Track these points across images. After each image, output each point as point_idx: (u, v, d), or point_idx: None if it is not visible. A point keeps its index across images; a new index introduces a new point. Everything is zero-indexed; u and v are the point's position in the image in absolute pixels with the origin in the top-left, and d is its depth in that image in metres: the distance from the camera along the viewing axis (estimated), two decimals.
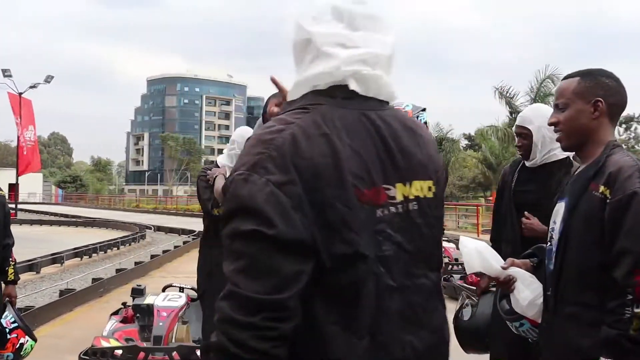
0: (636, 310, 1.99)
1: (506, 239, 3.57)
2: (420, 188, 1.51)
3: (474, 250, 2.54)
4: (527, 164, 3.55)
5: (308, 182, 1.34)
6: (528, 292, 2.44)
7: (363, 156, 1.41)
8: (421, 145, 1.55)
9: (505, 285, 2.49)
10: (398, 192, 1.46)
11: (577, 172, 2.37)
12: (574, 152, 2.42)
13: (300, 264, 1.31)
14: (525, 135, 3.50)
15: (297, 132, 1.39)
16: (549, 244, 2.38)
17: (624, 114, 4.27)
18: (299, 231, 1.31)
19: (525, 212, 3.37)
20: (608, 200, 2.11)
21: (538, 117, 3.44)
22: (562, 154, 3.32)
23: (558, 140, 2.40)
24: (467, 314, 3.65)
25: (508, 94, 26.34)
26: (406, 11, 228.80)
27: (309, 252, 1.32)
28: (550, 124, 2.40)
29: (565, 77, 2.41)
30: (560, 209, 2.34)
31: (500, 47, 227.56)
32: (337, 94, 1.48)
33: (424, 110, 3.43)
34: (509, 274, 2.47)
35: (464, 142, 55.33)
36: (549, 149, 3.42)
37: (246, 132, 4.56)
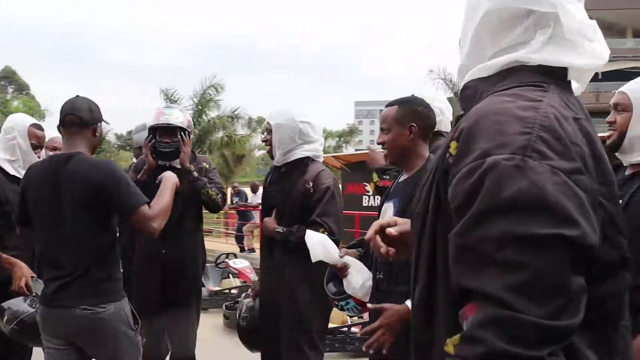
0: None
1: None
2: None
3: (318, 242, 3.00)
4: (274, 162, 3.84)
5: (588, 172, 1.08)
6: (359, 277, 2.95)
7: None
8: None
9: (342, 271, 2.97)
10: None
11: (405, 179, 2.96)
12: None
13: (582, 277, 1.01)
14: (269, 131, 3.79)
15: (554, 111, 1.12)
16: None
17: None
18: (597, 235, 1.03)
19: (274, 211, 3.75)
20: None
21: (281, 115, 3.74)
22: (302, 154, 3.70)
23: (385, 156, 3.03)
24: (245, 318, 3.97)
25: (172, 97, 26.81)
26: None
27: (589, 261, 1.03)
28: (378, 143, 3.03)
29: (388, 105, 2.97)
30: (388, 208, 2.93)
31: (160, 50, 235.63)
32: (558, 74, 1.25)
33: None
34: (345, 262, 2.97)
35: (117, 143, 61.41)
36: (289, 148, 3.70)
37: (27, 120, 4.01)
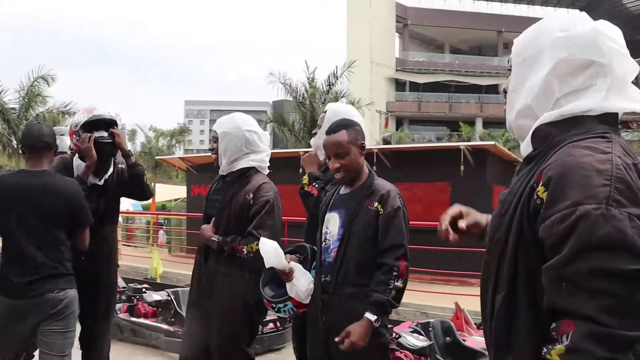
0: (397, 283, 2.93)
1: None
2: None
3: (273, 249, 3.20)
4: (220, 171, 3.87)
5: None
6: (303, 281, 3.22)
7: None
8: None
9: (288, 276, 3.22)
10: None
11: (348, 192, 3.19)
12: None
13: None
14: (215, 139, 3.82)
15: (622, 162, 1.42)
16: (324, 243, 3.17)
17: None
18: None
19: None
20: (381, 213, 3.02)
21: (227, 123, 3.77)
22: (247, 164, 3.73)
23: (341, 177, 3.15)
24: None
25: None
26: None
27: None
28: (335, 169, 3.15)
29: (330, 132, 3.15)
30: (332, 218, 3.17)
31: None
32: (612, 122, 1.57)
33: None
34: (291, 267, 3.24)
35: None
36: (235, 157, 3.73)
37: None
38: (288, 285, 3.25)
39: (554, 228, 1.38)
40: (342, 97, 26.10)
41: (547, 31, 1.63)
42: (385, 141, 32.02)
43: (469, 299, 6.07)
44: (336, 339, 2.89)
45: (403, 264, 3.00)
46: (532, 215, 1.49)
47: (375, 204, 3.07)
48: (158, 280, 10.96)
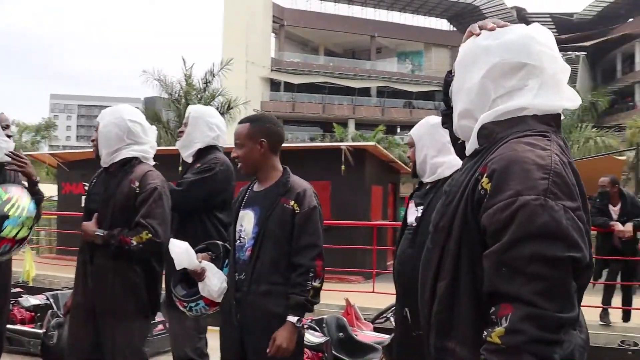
0: (314, 283, 2.95)
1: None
2: None
3: (183, 250, 3.16)
4: (101, 163, 3.64)
5: (583, 207, 1.50)
6: (216, 280, 3.16)
7: None
8: None
9: (200, 275, 3.17)
10: None
11: (263, 190, 3.16)
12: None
13: (575, 282, 1.46)
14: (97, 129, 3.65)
15: (559, 159, 1.52)
16: (238, 241, 3.14)
17: None
18: (588, 252, 1.48)
19: None
20: (297, 211, 3.01)
21: (109, 114, 3.61)
22: (130, 154, 3.51)
23: (240, 168, 3.18)
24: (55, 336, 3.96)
25: None
26: None
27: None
28: (233, 157, 3.21)
29: (240, 122, 3.23)
30: (245, 215, 3.14)
31: None
32: (553, 123, 1.66)
33: None
34: (203, 266, 3.19)
35: None
36: (116, 147, 3.51)
37: None
38: (200, 284, 3.19)
39: (496, 216, 1.47)
40: (218, 95, 25.85)
41: (482, 39, 1.73)
42: None
43: (357, 295, 6.18)
44: (267, 351, 2.90)
45: (319, 264, 3.01)
46: (476, 204, 1.57)
47: (292, 203, 3.05)
48: (31, 284, 10.35)
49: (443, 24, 66.27)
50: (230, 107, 25.59)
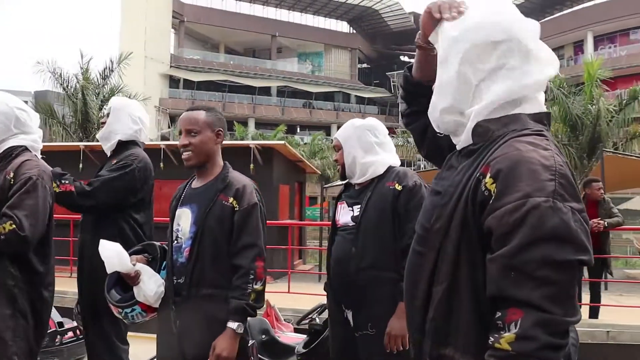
0: (255, 286, 2.75)
1: None
2: None
3: (115, 252, 2.89)
4: None
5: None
6: (152, 284, 2.91)
7: None
8: None
9: (134, 279, 2.89)
10: None
11: (203, 186, 2.94)
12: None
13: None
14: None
15: (560, 160, 1.49)
16: (175, 242, 2.92)
17: None
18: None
19: None
20: (236, 209, 2.82)
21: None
22: (17, 143, 3.23)
23: (187, 157, 2.90)
24: None
25: None
26: None
27: None
28: (182, 146, 2.90)
29: (191, 109, 2.98)
30: (182, 214, 2.92)
31: None
32: (545, 121, 1.64)
33: None
34: (138, 270, 2.91)
35: None
36: (3, 137, 3.21)
37: None
38: (135, 288, 2.93)
39: (504, 218, 1.42)
40: (118, 91, 25.03)
41: (450, 31, 1.64)
42: (164, 137, 31.26)
43: (272, 295, 6.10)
44: None
45: (260, 265, 2.82)
46: (478, 206, 1.50)
47: (231, 200, 2.86)
48: None
49: (343, 26, 67.21)
50: None
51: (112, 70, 25.07)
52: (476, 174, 1.53)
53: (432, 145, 2.01)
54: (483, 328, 1.46)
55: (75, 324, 5.46)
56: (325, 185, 22.09)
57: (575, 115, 19.12)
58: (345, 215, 3.34)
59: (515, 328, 1.35)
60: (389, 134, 3.56)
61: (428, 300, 1.62)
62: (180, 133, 2.95)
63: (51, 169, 3.44)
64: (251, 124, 53.78)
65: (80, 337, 5.76)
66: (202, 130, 2.91)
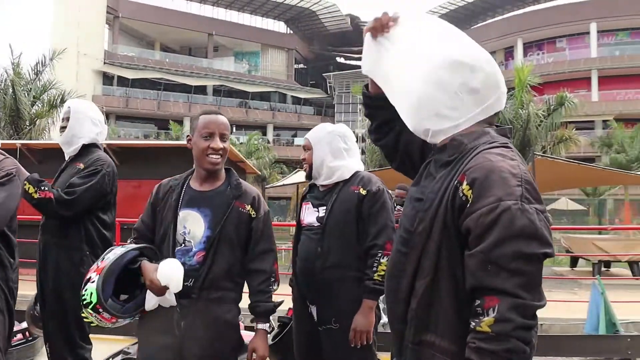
0: (274, 287, 2.95)
1: None
2: None
3: (178, 271, 2.69)
4: None
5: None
6: (168, 294, 2.72)
7: None
8: None
9: (163, 290, 2.69)
10: None
11: (213, 190, 2.91)
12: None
13: None
14: None
15: (524, 168, 1.73)
16: (183, 245, 2.84)
17: None
18: None
19: None
20: (254, 217, 2.91)
21: None
22: None
23: (217, 162, 2.85)
24: None
25: None
26: None
27: None
28: (219, 149, 2.86)
29: (212, 113, 2.95)
30: (189, 216, 2.87)
31: None
32: (509, 135, 1.90)
33: None
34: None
35: None
36: None
37: None
38: (152, 297, 2.77)
39: (480, 219, 1.64)
40: (51, 88, 24.41)
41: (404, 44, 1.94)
42: None
43: None
44: None
45: (277, 269, 3.00)
46: (457, 210, 1.72)
47: (248, 207, 2.93)
48: None
49: (280, 26, 67.28)
50: (64, 100, 24.26)
51: (45, 66, 24.43)
52: (454, 181, 1.75)
53: (404, 156, 2.24)
54: (460, 316, 1.69)
55: (24, 325, 5.34)
56: (267, 186, 22.15)
57: (507, 120, 19.73)
58: (310, 215, 3.51)
59: (494, 313, 1.57)
60: None
61: (411, 293, 1.82)
62: (209, 136, 2.88)
63: (28, 174, 3.51)
64: (187, 123, 52.89)
65: (30, 339, 5.77)
66: (228, 136, 2.97)
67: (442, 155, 1.89)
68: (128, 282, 2.79)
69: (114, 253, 2.77)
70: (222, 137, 2.91)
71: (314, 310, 3.44)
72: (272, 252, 3.00)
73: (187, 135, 2.99)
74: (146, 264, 2.78)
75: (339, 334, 3.27)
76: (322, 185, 3.55)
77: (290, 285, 3.69)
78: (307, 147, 3.56)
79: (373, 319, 3.27)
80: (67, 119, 3.98)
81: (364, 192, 3.39)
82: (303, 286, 3.48)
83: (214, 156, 2.87)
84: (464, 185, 1.70)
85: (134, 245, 2.88)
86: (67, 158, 4.03)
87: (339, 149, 3.51)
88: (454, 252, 1.73)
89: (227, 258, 2.87)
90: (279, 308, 4.77)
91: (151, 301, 2.78)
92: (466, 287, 1.67)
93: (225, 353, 2.86)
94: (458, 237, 1.72)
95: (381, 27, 1.99)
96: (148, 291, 2.76)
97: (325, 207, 3.44)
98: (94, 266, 2.75)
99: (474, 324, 1.61)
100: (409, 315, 1.83)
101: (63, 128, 4.01)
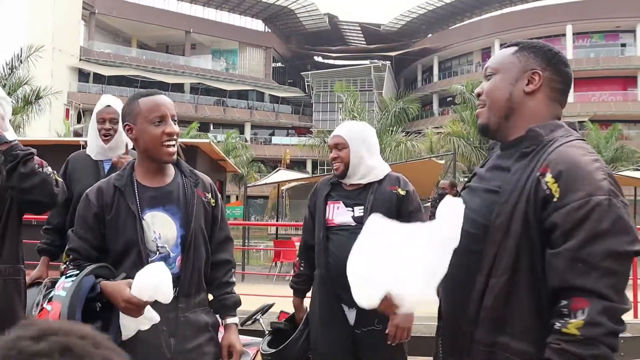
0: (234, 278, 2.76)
1: None
2: None
3: (160, 278, 2.24)
4: None
5: None
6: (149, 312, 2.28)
7: None
8: None
9: (140, 311, 2.26)
10: None
11: (169, 184, 2.56)
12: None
13: None
14: None
15: (602, 160, 1.70)
16: (158, 253, 2.46)
17: None
18: None
19: None
20: (213, 205, 2.65)
21: None
22: None
23: (174, 152, 2.50)
24: None
25: None
26: None
27: None
28: (174, 133, 2.50)
29: (159, 94, 2.60)
30: (156, 218, 2.48)
31: None
32: (577, 130, 1.85)
33: None
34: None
35: None
36: None
37: None
38: (128, 321, 2.30)
39: (570, 215, 1.58)
40: (25, 83, 24.06)
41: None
42: (77, 133, 30.19)
43: None
44: None
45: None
46: (540, 202, 1.66)
47: (209, 196, 2.66)
48: None
49: (258, 25, 67.01)
50: (40, 96, 23.96)
51: (22, 62, 24.10)
52: (535, 173, 1.70)
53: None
54: (540, 316, 1.63)
55: None
56: (249, 185, 22.02)
57: None
58: (342, 215, 3.39)
59: (583, 315, 1.50)
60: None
61: (484, 291, 1.75)
62: (160, 119, 2.49)
63: None
64: None
65: None
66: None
67: (516, 147, 1.85)
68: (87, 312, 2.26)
69: (64, 288, 2.27)
70: (174, 120, 2.54)
71: (351, 312, 3.32)
72: (231, 240, 2.80)
73: (125, 124, 2.55)
74: (109, 284, 2.30)
75: (382, 335, 3.19)
76: (351, 185, 3.41)
77: (291, 287, 3.60)
78: (342, 145, 3.39)
79: (413, 316, 3.14)
80: (116, 121, 3.73)
81: (403, 193, 3.36)
82: (340, 287, 3.21)
83: (171, 143, 2.49)
84: (548, 178, 1.65)
85: (86, 270, 2.33)
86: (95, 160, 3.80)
87: (374, 146, 3.45)
88: (534, 248, 1.67)
89: (202, 255, 2.60)
90: (270, 310, 4.80)
91: (129, 326, 2.30)
92: (548, 286, 1.61)
93: (217, 354, 2.61)
94: (539, 232, 1.66)
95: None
96: (121, 316, 2.29)
97: (361, 207, 3.34)
98: (43, 311, 2.33)
99: (559, 325, 1.54)
100: (482, 314, 1.75)
101: (109, 131, 3.78)
